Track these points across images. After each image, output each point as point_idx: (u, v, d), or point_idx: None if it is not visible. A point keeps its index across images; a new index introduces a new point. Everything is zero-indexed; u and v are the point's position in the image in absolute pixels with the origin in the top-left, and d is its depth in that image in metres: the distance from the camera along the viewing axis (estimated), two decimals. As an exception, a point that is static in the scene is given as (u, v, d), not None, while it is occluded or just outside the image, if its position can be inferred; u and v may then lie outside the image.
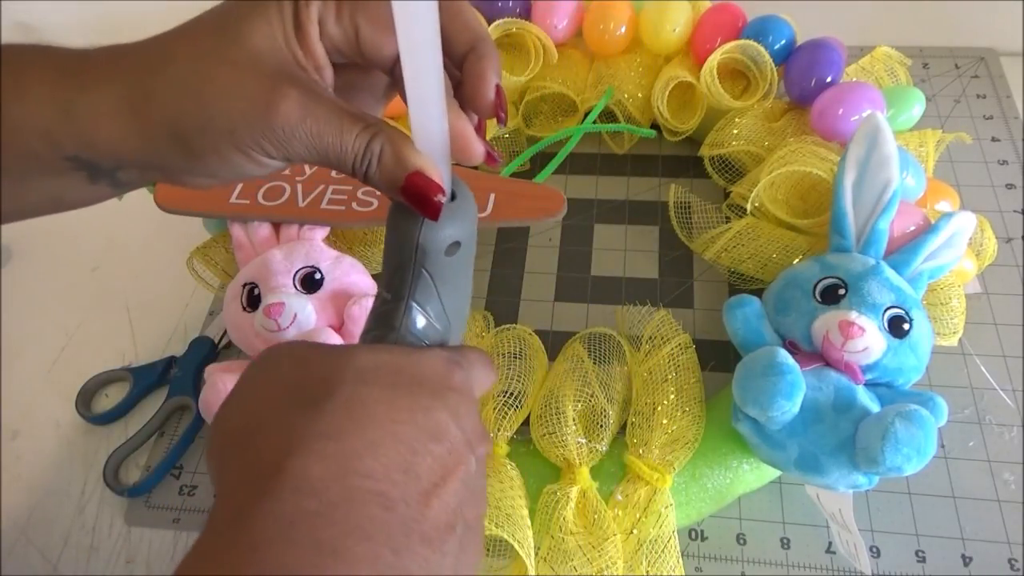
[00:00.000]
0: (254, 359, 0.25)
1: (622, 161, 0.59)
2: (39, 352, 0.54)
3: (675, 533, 0.37)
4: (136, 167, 0.25)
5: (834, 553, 0.39)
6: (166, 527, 0.45)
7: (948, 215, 0.39)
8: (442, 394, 0.23)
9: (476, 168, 0.57)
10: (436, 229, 0.25)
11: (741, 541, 0.41)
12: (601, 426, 0.40)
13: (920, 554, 0.39)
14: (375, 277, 0.46)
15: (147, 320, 0.55)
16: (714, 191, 0.55)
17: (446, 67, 0.25)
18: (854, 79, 0.51)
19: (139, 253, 0.60)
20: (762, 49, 0.50)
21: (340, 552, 0.19)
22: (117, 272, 0.59)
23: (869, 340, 0.36)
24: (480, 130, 0.26)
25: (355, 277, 0.45)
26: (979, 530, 0.39)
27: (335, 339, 0.39)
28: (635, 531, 0.37)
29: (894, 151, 0.39)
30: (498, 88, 0.25)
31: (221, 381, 0.39)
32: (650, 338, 0.43)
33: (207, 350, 0.51)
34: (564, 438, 0.39)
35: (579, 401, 0.40)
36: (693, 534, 0.41)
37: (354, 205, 0.47)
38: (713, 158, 0.53)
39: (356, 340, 0.42)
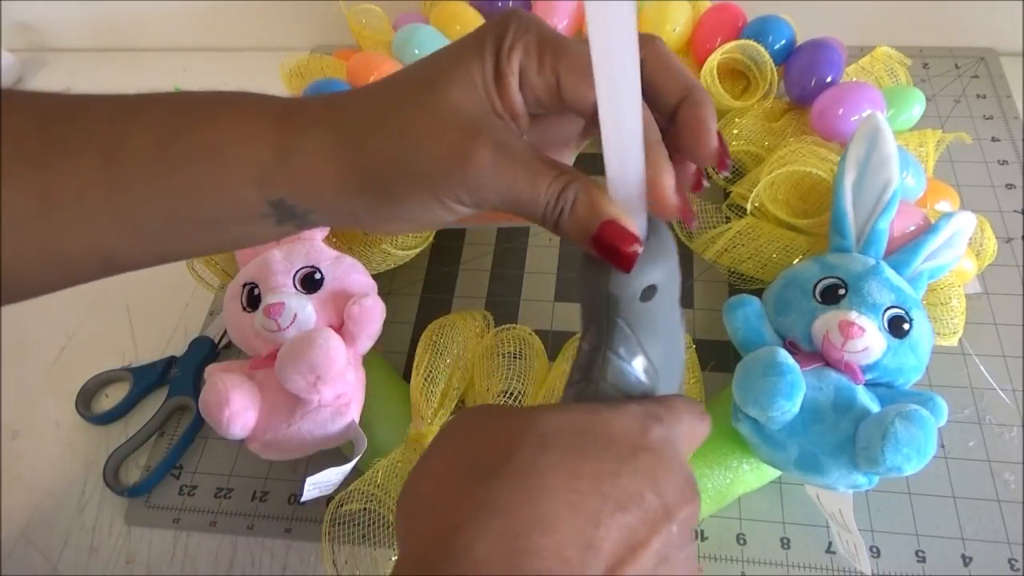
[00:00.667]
0: (444, 424, 0.24)
1: (622, 161, 0.59)
2: (39, 352, 0.54)
3: (675, 533, 0.37)
4: (330, 212, 0.26)
5: (834, 553, 0.39)
6: (166, 527, 0.45)
7: (948, 215, 0.39)
8: (633, 456, 0.21)
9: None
10: (627, 277, 0.24)
11: (741, 541, 0.41)
12: (601, 426, 0.40)
13: (920, 554, 0.39)
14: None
15: (147, 320, 0.55)
16: (714, 191, 0.55)
17: (655, 119, 0.24)
18: (854, 79, 0.51)
19: (139, 253, 0.60)
20: (762, 49, 0.50)
21: None
22: (117, 272, 0.59)
23: (869, 340, 0.36)
24: (680, 184, 0.25)
25: (355, 277, 0.45)
26: (979, 530, 0.39)
27: (335, 339, 0.39)
28: (635, 531, 0.37)
29: (894, 151, 0.39)
30: (719, 135, 0.25)
31: (221, 381, 0.39)
32: (650, 338, 0.43)
33: (207, 350, 0.51)
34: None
35: (579, 401, 0.40)
36: (693, 534, 0.41)
37: None
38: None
39: (356, 340, 0.42)
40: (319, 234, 0.47)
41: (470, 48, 0.24)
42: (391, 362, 0.49)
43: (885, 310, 0.37)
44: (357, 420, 0.41)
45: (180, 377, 0.50)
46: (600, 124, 0.21)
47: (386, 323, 0.43)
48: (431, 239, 0.52)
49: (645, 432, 0.22)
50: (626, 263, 0.23)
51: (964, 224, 0.39)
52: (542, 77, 0.24)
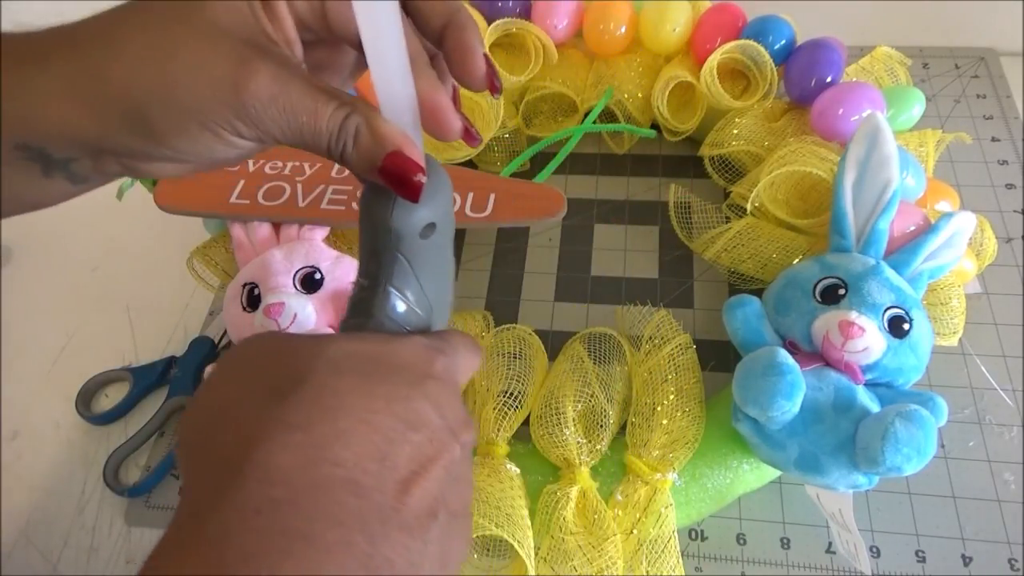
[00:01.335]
0: (231, 349, 0.24)
1: (622, 161, 0.59)
2: (39, 352, 0.54)
3: (675, 533, 0.37)
4: (91, 155, 0.24)
5: (834, 553, 0.39)
6: (166, 527, 0.44)
7: (948, 215, 0.39)
8: (421, 382, 0.22)
9: (475, 167, 0.57)
10: (409, 211, 0.24)
11: (741, 541, 0.41)
12: (601, 426, 0.40)
13: (920, 554, 0.39)
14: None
15: (147, 320, 0.55)
16: (714, 191, 0.55)
17: (423, 44, 0.24)
18: (854, 79, 0.51)
19: (139, 253, 0.60)
20: (762, 49, 0.50)
21: (310, 538, 0.18)
22: (117, 272, 0.59)
23: (869, 340, 0.36)
24: (457, 104, 0.25)
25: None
26: (979, 530, 0.39)
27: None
28: (635, 531, 0.37)
29: (894, 151, 0.39)
30: (487, 57, 0.24)
31: (221, 381, 0.39)
32: (650, 338, 0.43)
33: (207, 350, 0.51)
34: (564, 438, 0.39)
35: (579, 401, 0.40)
36: (693, 534, 0.41)
37: (354, 205, 0.47)
38: (713, 158, 0.53)
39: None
40: (319, 234, 0.47)
41: None
42: (391, 362, 0.48)
43: (885, 310, 0.37)
44: (357, 420, 0.41)
45: (180, 377, 0.50)
46: (364, 49, 0.21)
47: (386, 323, 0.43)
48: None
49: (431, 362, 0.23)
50: (413, 192, 0.23)
51: (964, 224, 0.39)
52: (308, 1, 0.23)
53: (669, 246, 0.53)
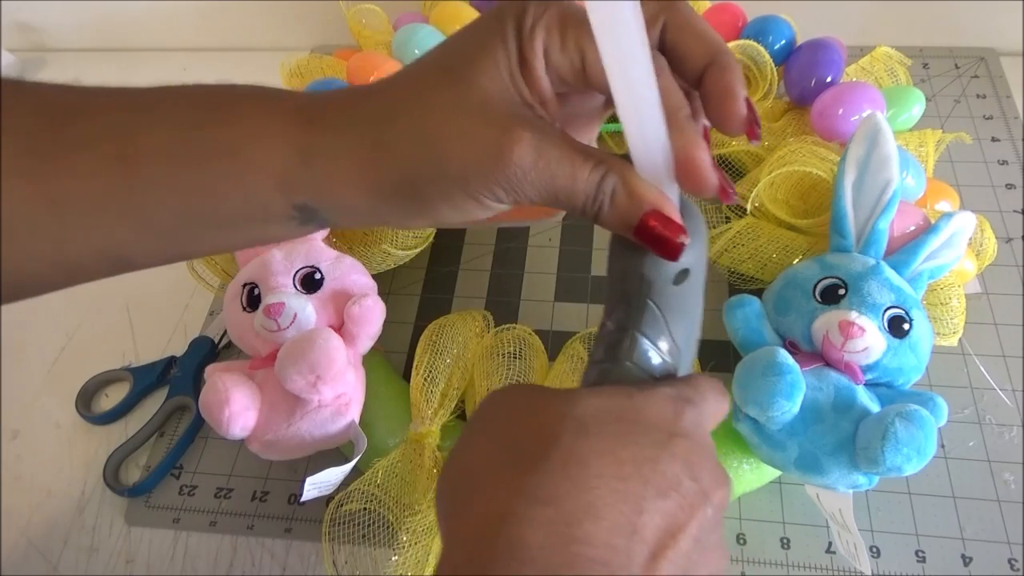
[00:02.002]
0: (480, 404, 0.24)
1: (622, 161, 0.59)
2: (39, 352, 0.54)
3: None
4: (357, 214, 0.25)
5: (834, 553, 0.39)
6: (166, 527, 0.45)
7: (948, 215, 0.39)
8: (670, 442, 0.22)
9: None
10: (664, 261, 0.23)
11: (741, 541, 0.41)
12: (601, 426, 0.40)
13: (920, 554, 0.39)
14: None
15: (147, 320, 0.55)
16: (714, 191, 0.55)
17: (681, 86, 0.23)
18: (854, 79, 0.51)
19: (139, 253, 0.60)
20: (762, 49, 0.50)
21: None
22: (117, 272, 0.59)
23: (869, 340, 0.36)
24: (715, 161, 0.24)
25: (355, 277, 0.45)
26: (979, 530, 0.39)
27: (335, 339, 0.39)
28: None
29: (894, 151, 0.39)
30: (748, 102, 0.23)
31: (221, 381, 0.39)
32: (650, 338, 0.43)
33: (207, 350, 0.51)
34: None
35: (579, 401, 0.40)
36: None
37: None
38: (713, 158, 0.53)
39: (356, 340, 0.42)
40: (319, 234, 0.47)
41: (490, 31, 0.23)
42: (391, 362, 0.49)
43: (885, 310, 0.37)
44: (357, 420, 0.41)
45: (180, 377, 0.50)
46: (616, 104, 0.21)
47: (386, 323, 0.43)
48: (431, 239, 0.52)
49: (679, 417, 0.23)
50: (673, 252, 0.23)
51: (964, 224, 0.39)
52: (566, 56, 0.23)
53: (669, 246, 0.53)
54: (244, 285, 0.44)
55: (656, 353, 0.24)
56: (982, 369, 0.45)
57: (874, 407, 0.36)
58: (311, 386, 0.38)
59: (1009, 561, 0.38)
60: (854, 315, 0.37)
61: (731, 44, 0.50)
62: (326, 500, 0.41)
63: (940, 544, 0.39)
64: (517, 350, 0.44)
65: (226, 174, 0.23)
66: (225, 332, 0.52)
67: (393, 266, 0.51)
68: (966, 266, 0.44)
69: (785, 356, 0.36)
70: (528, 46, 0.23)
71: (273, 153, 0.23)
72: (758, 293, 0.42)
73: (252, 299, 0.43)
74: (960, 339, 0.43)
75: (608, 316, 0.25)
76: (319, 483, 0.39)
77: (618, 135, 0.59)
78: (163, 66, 0.78)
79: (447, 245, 0.55)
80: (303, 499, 0.39)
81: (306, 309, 0.42)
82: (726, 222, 0.49)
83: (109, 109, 0.24)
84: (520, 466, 0.21)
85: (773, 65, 0.51)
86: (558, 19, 0.23)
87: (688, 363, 0.26)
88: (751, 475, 0.39)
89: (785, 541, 0.40)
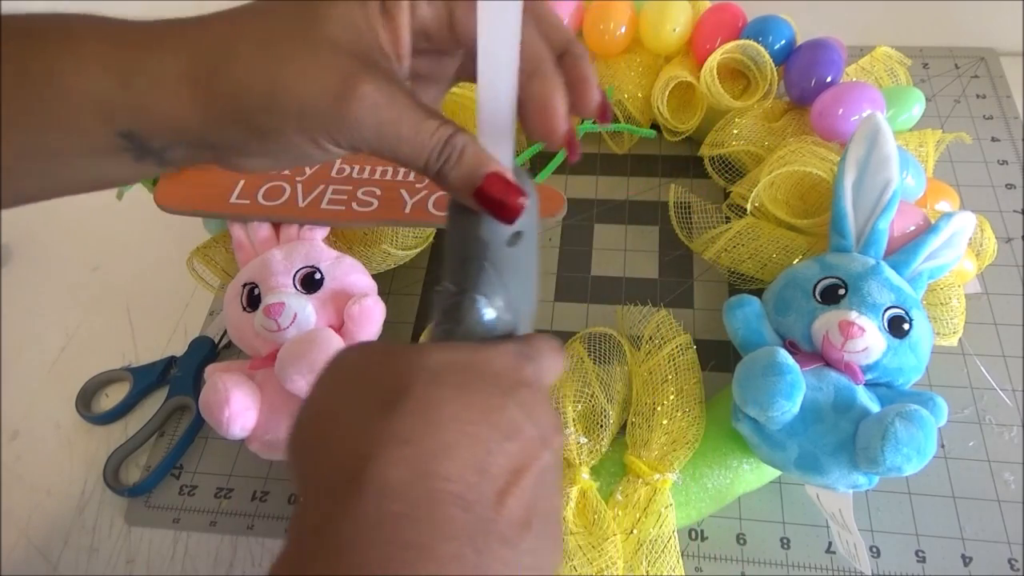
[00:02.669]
0: (331, 358, 0.25)
1: (622, 161, 0.59)
2: (39, 352, 0.54)
3: (675, 533, 0.37)
4: (188, 145, 0.24)
5: (834, 553, 0.39)
6: (166, 527, 0.45)
7: (948, 215, 0.39)
8: (513, 390, 0.23)
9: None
10: (498, 224, 0.24)
11: (741, 541, 0.41)
12: (601, 426, 0.40)
13: (920, 554, 0.39)
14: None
15: (147, 320, 0.55)
16: (714, 191, 0.55)
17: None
18: (854, 79, 0.51)
19: (139, 253, 0.60)
20: (762, 49, 0.50)
21: (427, 551, 0.19)
22: (117, 272, 0.59)
23: (869, 340, 0.36)
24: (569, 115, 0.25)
25: (355, 277, 0.45)
26: (979, 530, 0.39)
27: (335, 339, 0.39)
28: (635, 531, 0.37)
29: (894, 151, 0.39)
30: (600, 88, 0.25)
31: (221, 381, 0.39)
32: (650, 338, 0.43)
33: (207, 350, 0.51)
34: (564, 438, 0.39)
35: (579, 401, 0.40)
36: (693, 534, 0.41)
37: (354, 205, 0.47)
38: (713, 158, 0.53)
39: (356, 340, 0.42)
40: (319, 234, 0.47)
41: None
42: (391, 362, 0.49)
43: (885, 310, 0.37)
44: (357, 420, 0.41)
45: (180, 377, 0.50)
46: (478, 51, 0.21)
47: (386, 323, 0.43)
48: (431, 239, 0.52)
49: (520, 369, 0.24)
50: (512, 215, 0.24)
51: (964, 224, 0.39)
52: (433, 9, 0.23)
53: (669, 246, 0.53)
54: (244, 285, 0.44)
55: (494, 311, 0.25)
56: (982, 369, 0.45)
57: (874, 407, 0.36)
58: (311, 386, 0.38)
59: (1009, 561, 0.38)
60: (854, 315, 0.37)
61: (731, 44, 0.50)
62: (326, 500, 0.41)
63: (940, 544, 0.39)
64: (517, 350, 0.44)
65: (44, 102, 0.22)
66: (225, 332, 0.52)
67: (393, 266, 0.51)
68: (966, 266, 0.44)
69: (785, 356, 0.36)
70: None
71: (88, 75, 0.22)
72: (758, 293, 0.42)
73: (252, 299, 0.43)
74: (960, 339, 0.43)
75: (447, 279, 0.26)
76: (319, 483, 0.39)
77: (618, 135, 0.59)
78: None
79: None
80: (303, 499, 0.39)
81: (306, 309, 0.42)
82: (726, 222, 0.49)
83: None
84: (377, 410, 0.21)
85: (773, 65, 0.51)
86: None
87: (527, 323, 0.27)
88: (751, 475, 0.39)
89: (785, 541, 0.40)
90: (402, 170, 0.48)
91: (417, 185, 0.47)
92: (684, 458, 0.38)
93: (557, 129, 0.24)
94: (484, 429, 0.22)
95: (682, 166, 0.58)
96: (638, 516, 0.37)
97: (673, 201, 0.52)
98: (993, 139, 0.56)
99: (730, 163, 0.53)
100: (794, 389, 0.35)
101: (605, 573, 0.36)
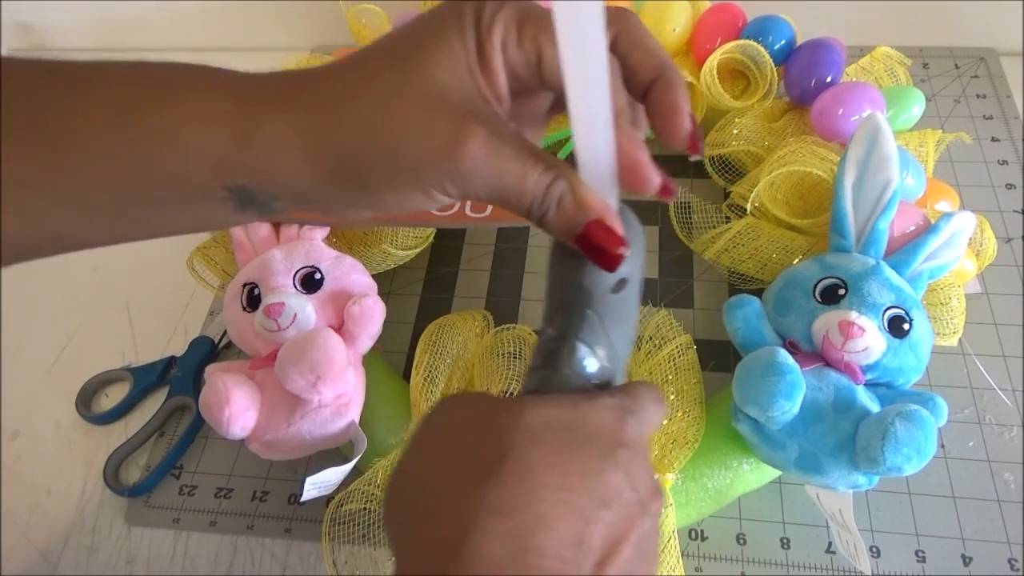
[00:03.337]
0: (427, 414, 0.24)
1: (622, 161, 0.59)
2: (39, 352, 0.54)
3: (675, 533, 0.37)
4: (295, 199, 0.24)
5: (834, 553, 0.39)
6: (166, 527, 0.45)
7: (948, 215, 0.39)
8: (613, 452, 0.23)
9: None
10: (603, 271, 0.24)
11: (741, 541, 0.41)
12: (601, 426, 0.40)
13: (920, 554, 0.39)
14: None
15: (147, 320, 0.55)
16: (714, 191, 0.55)
17: (628, 99, 0.24)
18: (854, 79, 0.51)
19: (139, 253, 0.59)
20: (762, 49, 0.50)
21: None
22: (117, 272, 0.59)
23: (869, 340, 0.36)
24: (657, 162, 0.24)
25: (355, 277, 0.45)
26: (979, 530, 0.39)
27: (335, 339, 0.39)
28: (635, 531, 0.37)
29: (894, 151, 0.39)
30: (692, 117, 0.24)
31: (221, 381, 0.39)
32: (650, 338, 0.43)
33: (207, 350, 0.51)
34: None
35: (579, 401, 0.40)
36: (693, 534, 0.41)
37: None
38: (713, 158, 0.53)
39: (356, 340, 0.42)
40: (319, 234, 0.47)
41: (448, 22, 0.23)
42: (391, 362, 0.49)
43: (885, 310, 0.37)
44: (357, 420, 0.41)
45: (180, 377, 0.50)
46: (568, 104, 0.21)
47: (386, 323, 0.43)
48: (431, 239, 0.52)
49: (622, 427, 0.23)
50: (612, 264, 0.23)
51: (964, 224, 0.39)
52: (522, 52, 0.23)
53: (669, 246, 0.53)
54: (244, 285, 0.44)
55: (594, 360, 0.25)
56: (982, 369, 0.45)
57: (874, 407, 0.36)
58: (311, 386, 0.38)
59: (1009, 561, 0.38)
60: (854, 315, 0.37)
61: (731, 44, 0.50)
62: (326, 500, 0.41)
63: (940, 544, 0.39)
64: (517, 350, 0.44)
65: (160, 159, 0.23)
66: (225, 332, 0.52)
67: (393, 266, 0.51)
68: (966, 266, 0.44)
69: (785, 356, 0.36)
70: (487, 40, 0.22)
71: (208, 137, 0.23)
72: (758, 293, 0.42)
73: (252, 299, 0.43)
74: (960, 339, 0.43)
75: (548, 323, 0.25)
76: (319, 483, 0.39)
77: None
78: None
79: (447, 245, 0.55)
80: (303, 499, 0.39)
81: (306, 309, 0.42)
82: (726, 222, 0.49)
83: (49, 89, 0.23)
84: (476, 478, 0.21)
85: (773, 65, 0.51)
86: (516, 14, 0.23)
87: (623, 368, 0.27)
88: (751, 475, 0.39)
89: (785, 541, 0.40)
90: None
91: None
92: (684, 458, 0.38)
93: (647, 181, 0.23)
94: (582, 497, 0.21)
95: (682, 166, 0.58)
96: (638, 516, 0.37)
97: (673, 201, 0.52)
98: (993, 139, 0.56)
99: (730, 163, 0.53)
100: (794, 389, 0.35)
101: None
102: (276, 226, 0.47)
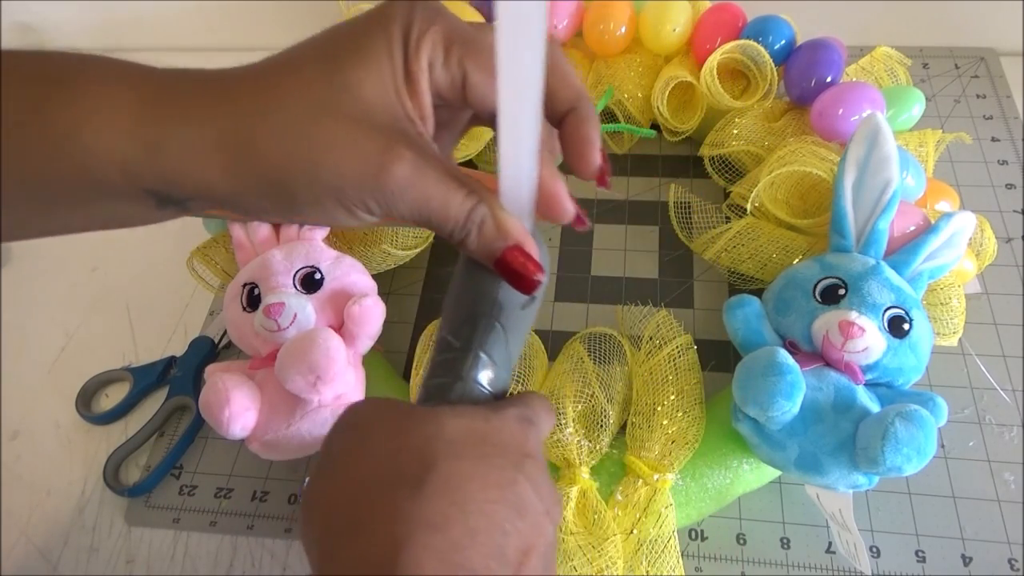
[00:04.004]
0: (336, 424, 0.24)
1: (622, 161, 0.59)
2: (39, 352, 0.54)
3: (675, 533, 0.37)
4: (214, 201, 0.24)
5: (834, 553, 0.39)
6: (166, 527, 0.45)
7: (948, 215, 0.39)
8: (522, 463, 0.23)
9: (475, 167, 0.57)
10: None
11: (741, 541, 0.41)
12: (601, 426, 0.40)
13: (920, 554, 0.39)
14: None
15: (147, 320, 0.55)
16: (714, 191, 0.55)
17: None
18: (854, 79, 0.51)
19: (139, 253, 0.60)
20: (762, 49, 0.50)
21: None
22: (117, 272, 0.59)
23: (869, 340, 0.36)
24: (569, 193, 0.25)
25: (355, 277, 0.45)
26: (979, 530, 0.39)
27: (335, 339, 0.39)
28: (635, 531, 0.37)
29: (894, 151, 0.39)
30: (603, 153, 0.25)
31: (221, 381, 0.39)
32: (650, 338, 0.43)
33: (207, 350, 0.51)
34: (564, 438, 0.39)
35: (579, 401, 0.40)
36: (693, 534, 0.41)
37: None
38: (713, 158, 0.53)
39: (356, 340, 0.42)
40: (319, 234, 0.47)
41: (376, 38, 0.22)
42: (391, 362, 0.49)
43: (885, 310, 0.37)
44: (357, 420, 0.41)
45: (180, 377, 0.50)
46: (498, 134, 0.21)
47: (386, 323, 0.43)
48: (431, 239, 0.52)
49: (527, 438, 0.24)
50: (529, 287, 0.24)
51: (964, 224, 0.39)
52: (448, 73, 0.23)
53: (669, 246, 0.53)
54: (244, 285, 0.44)
55: (493, 370, 0.25)
56: (982, 369, 0.45)
57: (874, 407, 0.36)
58: (311, 386, 0.38)
59: (1009, 561, 0.38)
60: (854, 315, 0.37)
61: (731, 44, 0.50)
62: (326, 500, 0.41)
63: (940, 544, 0.39)
64: (517, 350, 0.44)
65: (70, 160, 0.22)
66: (225, 332, 0.52)
67: (393, 266, 0.51)
68: (966, 266, 0.44)
69: (785, 356, 0.36)
70: (414, 60, 0.23)
71: (115, 138, 0.22)
72: (758, 293, 0.42)
73: (252, 299, 0.43)
74: (960, 339, 0.43)
75: (450, 332, 0.26)
76: (319, 483, 0.39)
77: (618, 135, 0.59)
78: (163, 66, 0.78)
79: (447, 245, 0.55)
80: (303, 499, 0.39)
81: (306, 309, 0.42)
82: (726, 222, 0.49)
83: None
84: (405, 490, 0.21)
85: (773, 65, 0.51)
86: (443, 35, 0.23)
87: (512, 375, 0.28)
88: (751, 475, 0.39)
89: (785, 541, 0.40)
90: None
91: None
92: (684, 458, 0.38)
93: (563, 212, 0.24)
94: (501, 508, 0.22)
95: (682, 166, 0.58)
96: (638, 516, 0.37)
97: (673, 201, 0.52)
98: (993, 139, 0.56)
99: (730, 163, 0.53)
100: (794, 389, 0.35)
101: (605, 573, 0.36)
102: (276, 226, 0.47)
